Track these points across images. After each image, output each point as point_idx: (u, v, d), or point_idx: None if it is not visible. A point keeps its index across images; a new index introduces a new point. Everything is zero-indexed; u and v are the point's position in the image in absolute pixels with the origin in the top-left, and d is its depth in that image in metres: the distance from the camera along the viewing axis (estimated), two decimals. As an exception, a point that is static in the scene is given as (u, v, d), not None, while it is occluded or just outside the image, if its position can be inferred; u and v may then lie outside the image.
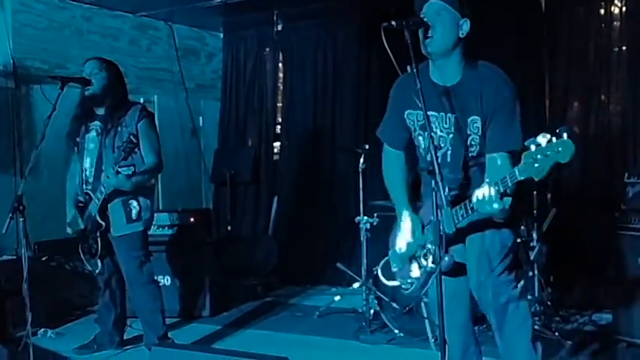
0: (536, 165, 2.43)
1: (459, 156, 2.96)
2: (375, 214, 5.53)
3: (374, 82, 7.01)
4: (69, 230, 4.72)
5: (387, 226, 5.79)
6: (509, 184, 2.58)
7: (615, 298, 4.68)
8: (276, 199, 7.54)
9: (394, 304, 4.94)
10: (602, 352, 4.52)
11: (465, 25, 2.92)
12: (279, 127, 7.74)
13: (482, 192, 2.65)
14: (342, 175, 7.01)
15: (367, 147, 5.54)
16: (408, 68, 2.65)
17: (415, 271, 3.04)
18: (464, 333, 3.19)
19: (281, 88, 7.73)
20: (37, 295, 4.57)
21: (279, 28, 7.53)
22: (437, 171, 2.52)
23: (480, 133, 2.93)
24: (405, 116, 3.08)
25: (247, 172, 7.38)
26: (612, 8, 5.86)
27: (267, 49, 7.79)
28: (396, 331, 4.95)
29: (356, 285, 5.66)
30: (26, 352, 3.94)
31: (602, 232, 5.33)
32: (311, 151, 7.38)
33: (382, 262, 3.33)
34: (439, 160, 2.74)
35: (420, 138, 3.06)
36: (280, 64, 7.72)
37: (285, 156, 7.64)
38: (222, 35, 8.07)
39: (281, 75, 7.72)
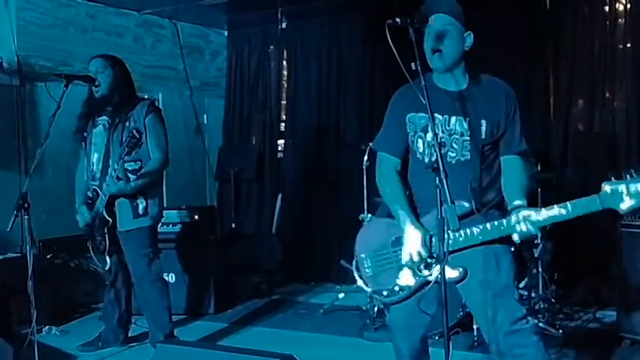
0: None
1: (472, 161, 2.94)
2: (379, 212, 5.52)
3: (378, 80, 6.99)
4: (78, 218, 4.67)
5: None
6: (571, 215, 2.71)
7: (619, 296, 4.68)
8: (280, 196, 7.54)
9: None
10: (605, 350, 4.52)
11: (469, 39, 2.95)
12: (283, 124, 7.75)
13: (533, 217, 2.72)
14: (346, 173, 7.00)
15: (371, 144, 5.54)
16: (413, 66, 2.62)
17: (406, 279, 2.94)
18: (417, 347, 3.14)
19: (285, 85, 7.73)
20: (42, 293, 4.60)
21: (284, 25, 7.52)
22: (441, 168, 2.50)
23: (483, 137, 2.92)
24: (407, 120, 3.04)
25: (251, 170, 7.38)
26: (617, 5, 5.85)
27: (272, 47, 7.79)
28: (400, 328, 4.95)
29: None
30: (31, 349, 3.93)
31: (606, 230, 5.32)
32: (315, 148, 7.38)
33: (354, 263, 3.21)
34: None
35: (420, 141, 3.00)
36: (284, 62, 7.72)
37: (289, 153, 7.64)
38: (226, 33, 8.08)
39: (285, 73, 7.73)
